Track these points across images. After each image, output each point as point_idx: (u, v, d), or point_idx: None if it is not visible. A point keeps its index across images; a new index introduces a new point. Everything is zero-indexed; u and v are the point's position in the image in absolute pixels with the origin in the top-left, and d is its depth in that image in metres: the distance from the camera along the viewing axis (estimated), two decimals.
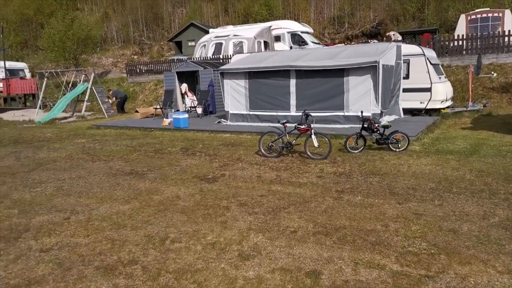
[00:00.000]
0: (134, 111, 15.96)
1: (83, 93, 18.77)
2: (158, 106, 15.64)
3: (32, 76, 26.97)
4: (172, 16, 43.29)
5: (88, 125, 14.85)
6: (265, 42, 22.29)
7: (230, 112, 12.99)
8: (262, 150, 8.15)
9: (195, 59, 21.10)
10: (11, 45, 34.19)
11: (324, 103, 11.21)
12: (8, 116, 19.74)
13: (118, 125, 13.56)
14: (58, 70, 19.67)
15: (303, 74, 11.43)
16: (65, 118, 17.93)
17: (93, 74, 18.51)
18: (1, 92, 23.09)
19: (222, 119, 13.23)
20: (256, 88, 12.40)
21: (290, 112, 11.80)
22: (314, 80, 11.35)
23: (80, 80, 20.24)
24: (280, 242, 4.13)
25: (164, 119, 13.26)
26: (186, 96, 17.49)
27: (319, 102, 11.30)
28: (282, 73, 11.77)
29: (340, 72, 10.87)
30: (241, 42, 21.70)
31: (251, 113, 12.60)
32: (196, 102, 17.59)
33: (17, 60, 30.40)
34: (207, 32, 30.95)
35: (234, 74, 12.68)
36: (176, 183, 6.51)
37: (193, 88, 17.98)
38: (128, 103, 22.44)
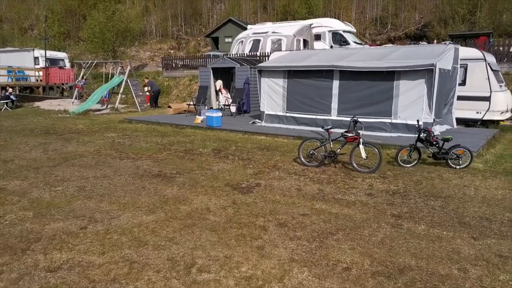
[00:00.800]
0: (167, 106, 15.51)
1: (119, 85, 18.55)
2: (191, 103, 15.09)
3: (72, 66, 27.27)
4: (211, 11, 42.99)
5: (120, 119, 14.51)
6: (305, 41, 21.38)
7: (266, 112, 12.22)
8: (302, 158, 7.33)
9: (231, 55, 20.46)
10: (54, 35, 34.92)
11: (369, 108, 10.24)
12: (45, 105, 19.84)
13: (150, 120, 13.10)
14: (95, 61, 19.57)
15: (347, 75, 10.49)
16: (99, 110, 17.75)
17: (129, 67, 18.25)
18: (41, 80, 23.37)
19: (257, 120, 12.49)
20: (295, 89, 11.57)
21: (330, 116, 10.89)
22: (359, 83, 10.39)
23: (116, 72, 20.07)
24: (331, 283, 3.31)
25: (197, 116, 12.67)
26: (220, 93, 16.88)
27: (363, 107, 10.33)
28: (325, 74, 10.87)
29: (390, 75, 9.85)
30: (279, 40, 20.89)
31: (288, 114, 11.78)
32: (230, 100, 16.97)
33: (59, 50, 30.93)
34: (245, 29, 30.30)
35: (273, 72, 11.89)
36: (207, 192, 5.80)
37: (227, 85, 17.36)
38: (161, 98, 22.16)
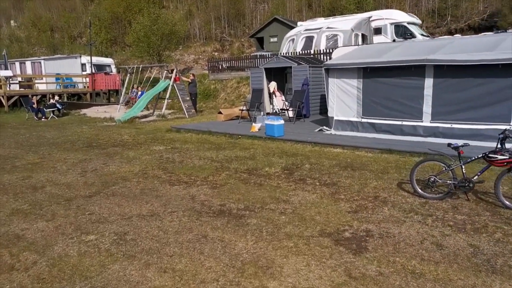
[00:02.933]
0: (217, 112, 13.82)
1: (165, 90, 17.14)
2: (244, 108, 13.28)
3: (118, 72, 26.49)
4: (254, 12, 41.32)
5: (167, 127, 12.97)
6: (363, 35, 19.02)
7: (335, 118, 10.13)
8: (416, 186, 5.20)
9: (281, 54, 18.48)
10: (101, 41, 34.65)
11: (477, 112, 7.90)
12: (92, 112, 18.86)
13: (200, 129, 11.41)
14: (141, 66, 18.32)
15: (445, 71, 8.20)
16: (145, 116, 16.41)
17: (175, 71, 16.80)
18: (88, 87, 22.60)
19: (324, 127, 10.43)
20: (372, 89, 9.40)
21: (421, 121, 8.64)
22: (462, 80, 8.07)
23: (162, 77, 18.72)
24: None
25: (253, 124, 10.81)
26: (274, 96, 14.97)
27: (467, 110, 8.02)
28: (414, 70, 8.63)
29: (505, 70, 7.48)
30: (335, 35, 18.67)
31: (364, 120, 9.63)
32: (287, 103, 15.03)
33: (106, 56, 30.41)
34: (291, 27, 28.25)
35: (344, 71, 9.79)
36: (298, 248, 3.86)
37: (281, 87, 15.42)
38: (209, 101, 20.62)
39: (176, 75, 16.60)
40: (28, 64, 23.44)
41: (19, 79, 22.35)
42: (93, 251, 3.93)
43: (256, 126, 10.63)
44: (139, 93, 19.24)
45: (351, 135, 9.58)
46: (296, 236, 4.13)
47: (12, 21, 46.09)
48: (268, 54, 21.49)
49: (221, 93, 21.07)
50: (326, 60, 17.05)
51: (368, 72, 9.41)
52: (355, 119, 9.78)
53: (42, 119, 16.63)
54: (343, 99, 9.91)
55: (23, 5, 45.54)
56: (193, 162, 7.76)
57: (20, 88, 21.81)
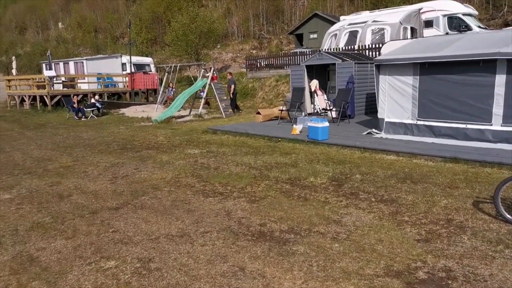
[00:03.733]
0: (256, 113, 13.11)
1: (201, 89, 16.66)
2: (283, 108, 12.47)
3: (157, 71, 26.50)
4: (293, 8, 40.25)
5: (204, 127, 12.41)
6: (412, 29, 17.59)
7: (386, 120, 9.09)
8: (503, 210, 4.18)
9: (324, 50, 17.46)
10: (142, 41, 35.01)
11: None
12: (130, 111, 18.76)
13: (237, 131, 10.73)
14: (178, 64, 17.97)
15: None
16: (181, 116, 16.01)
17: (212, 69, 16.27)
18: (127, 86, 22.66)
19: (373, 130, 9.41)
20: (431, 88, 8.29)
21: (490, 125, 7.45)
22: None
23: (200, 75, 18.28)
24: None
25: (294, 126, 9.98)
26: (315, 95, 14.04)
27: None
28: (482, 66, 7.46)
29: None
30: (382, 29, 17.39)
31: (419, 123, 8.53)
32: (329, 103, 14.05)
33: (146, 56, 30.60)
34: (332, 23, 27.03)
35: (398, 67, 8.73)
36: None
37: (322, 86, 14.45)
38: (246, 100, 19.99)
39: (213, 74, 16.05)
40: (71, 64, 23.90)
41: (63, 79, 22.79)
42: (111, 284, 3.30)
43: (297, 128, 9.79)
44: (172, 90, 18.89)
45: (405, 139, 8.52)
46: (356, 274, 3.29)
47: (59, 23, 47.87)
48: (308, 51, 20.53)
49: (259, 92, 20.37)
50: (373, 56, 15.87)
51: (426, 68, 8.31)
52: (409, 121, 8.70)
53: (82, 119, 16.67)
54: (396, 99, 8.85)
55: (70, 7, 47.15)
56: (229, 169, 7.06)
57: (63, 87, 22.22)
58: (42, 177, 7.11)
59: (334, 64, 13.11)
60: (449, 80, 8.01)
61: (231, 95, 16.65)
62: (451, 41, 8.73)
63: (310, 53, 19.65)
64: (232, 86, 16.60)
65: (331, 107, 11.83)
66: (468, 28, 16.83)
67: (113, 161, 8.16)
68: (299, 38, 33.40)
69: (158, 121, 14.42)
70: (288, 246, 3.87)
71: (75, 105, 16.75)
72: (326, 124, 8.80)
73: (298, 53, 21.19)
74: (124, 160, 8.21)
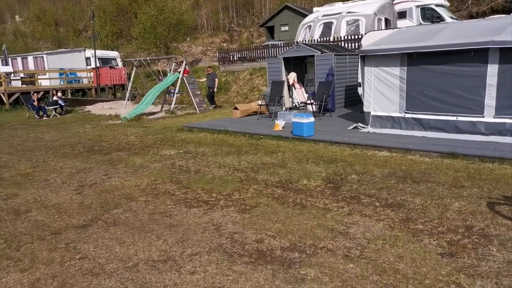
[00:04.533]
0: (233, 108, 12.37)
1: (173, 84, 15.72)
2: (262, 102, 11.82)
3: (124, 65, 25.09)
4: (263, 0, 39.47)
5: (178, 125, 11.58)
6: (386, 20, 17.36)
7: (373, 113, 8.64)
8: None
9: (301, 42, 16.91)
10: (107, 34, 33.24)
11: None
12: (96, 109, 17.54)
13: (215, 128, 9.98)
14: (148, 58, 16.89)
15: None
16: (153, 113, 15.04)
17: (184, 62, 15.33)
18: (92, 82, 21.26)
19: (359, 124, 8.94)
20: (419, 79, 7.89)
21: (482, 117, 7.13)
22: None
23: (170, 70, 17.27)
24: None
25: (276, 121, 9.35)
26: (293, 88, 13.48)
27: None
28: (474, 55, 7.10)
29: None
30: (356, 20, 17.04)
31: (408, 116, 8.13)
32: (306, 96, 13.55)
33: (112, 50, 28.99)
34: (304, 15, 26.56)
35: (384, 58, 8.27)
36: None
37: (299, 79, 13.91)
38: (220, 95, 19.17)
39: (185, 67, 15.14)
40: (30, 59, 22.15)
41: (21, 75, 21.08)
42: None
43: (279, 124, 9.17)
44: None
45: (393, 133, 8.09)
46: None
47: (16, 16, 44.84)
48: (281, 43, 19.91)
49: (233, 85, 19.61)
50: (350, 47, 15.48)
51: (414, 59, 7.88)
52: (397, 114, 8.28)
53: (44, 118, 15.35)
54: (383, 91, 8.40)
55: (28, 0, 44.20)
56: (212, 172, 6.35)
57: (22, 84, 20.55)
58: None
59: (312, 56, 12.58)
60: (438, 70, 7.62)
61: (215, 89, 15.94)
62: (437, 30, 8.35)
63: (283, 45, 19.07)
64: (216, 80, 15.93)
65: (311, 101, 11.29)
66: (441, 19, 16.76)
67: (79, 166, 7.24)
68: (270, 31, 32.76)
69: (127, 119, 13.42)
70: (294, 270, 3.24)
71: (35, 103, 15.37)
72: (312, 119, 8.22)
73: (270, 46, 20.56)
74: (92, 165, 7.31)
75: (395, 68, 8.16)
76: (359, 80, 11.32)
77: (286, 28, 31.40)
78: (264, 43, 24.23)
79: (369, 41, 10.41)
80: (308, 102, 11.45)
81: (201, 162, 7.06)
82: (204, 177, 6.08)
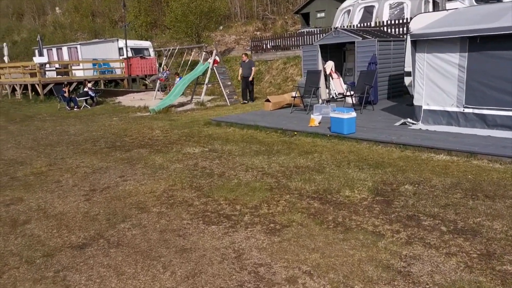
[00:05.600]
0: (265, 100, 11.45)
1: (204, 74, 14.98)
2: (296, 94, 10.82)
3: (158, 55, 24.71)
4: None
5: (206, 118, 10.82)
6: (434, 2, 15.70)
7: (425, 108, 7.44)
8: None
9: (340, 27, 15.62)
10: (141, 24, 33.07)
11: None
12: (127, 100, 17.16)
13: (245, 123, 9.11)
14: (177, 47, 16.24)
15: None
16: (182, 104, 14.40)
17: (214, 51, 14.53)
18: (124, 72, 20.99)
19: (408, 119, 7.76)
20: (483, 68, 6.61)
21: None
22: None
23: (201, 59, 16.55)
24: None
25: (312, 116, 8.34)
26: (331, 78, 12.34)
27: None
28: None
29: None
30: (401, 3, 15.51)
31: (467, 111, 6.89)
32: (344, 86, 12.39)
33: (146, 40, 28.74)
34: (341, 0, 25.04)
35: (439, 43, 7.03)
36: None
37: (337, 68, 12.73)
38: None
39: (215, 57, 14.34)
40: (64, 50, 22.19)
41: (56, 65, 21.14)
42: None
43: (315, 119, 8.16)
44: (166, 72, 17.15)
45: (450, 131, 6.87)
46: None
47: (57, 8, 45.81)
48: (317, 30, 18.64)
49: (266, 75, 18.63)
50: (395, 33, 14.07)
51: (477, 44, 6.61)
52: (454, 108, 7.05)
53: (75, 109, 15.11)
54: (437, 82, 7.18)
55: None
56: (237, 176, 5.50)
57: (57, 75, 20.58)
58: (3, 189, 5.60)
59: (352, 43, 11.39)
60: (508, 57, 6.32)
61: (250, 78, 13.84)
62: (504, 10, 6.97)
63: (319, 32, 17.83)
64: (254, 69, 13.94)
65: (351, 92, 10.15)
66: (498, 0, 14.90)
67: (96, 165, 6.62)
68: (306, 18, 31.33)
69: (155, 111, 12.83)
70: None
71: (66, 94, 15.14)
72: (353, 114, 7.15)
73: (305, 33, 19.35)
74: (110, 164, 6.67)
75: (453, 55, 6.91)
76: (406, 69, 10.06)
77: (323, 14, 29.85)
78: (299, 31, 22.99)
79: (419, 25, 9.11)
80: (348, 93, 10.32)
81: (227, 163, 6.23)
82: (228, 183, 5.24)
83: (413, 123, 7.56)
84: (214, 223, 4.02)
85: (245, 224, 3.96)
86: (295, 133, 7.81)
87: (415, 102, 7.59)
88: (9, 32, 41.97)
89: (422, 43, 7.23)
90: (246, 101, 13.82)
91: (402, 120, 7.76)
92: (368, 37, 10.82)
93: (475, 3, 15.38)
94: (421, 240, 3.39)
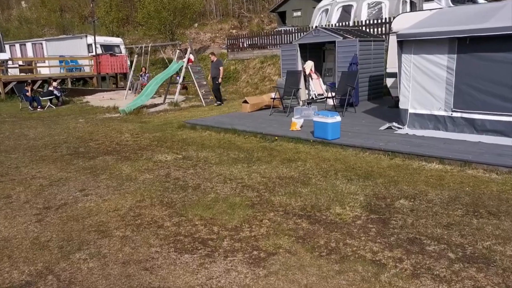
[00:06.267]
0: (242, 101, 10.86)
1: (177, 73, 14.24)
2: (275, 95, 10.30)
3: (129, 53, 23.60)
4: None
5: (180, 120, 10.12)
6: (411, 3, 15.59)
7: (411, 111, 7.08)
8: None
9: (320, 26, 15.22)
10: (112, 20, 31.71)
11: None
12: (96, 99, 16.15)
13: (221, 126, 8.50)
14: (150, 45, 15.39)
15: None
16: (155, 105, 13.61)
17: (189, 49, 13.81)
18: (93, 70, 19.87)
19: (394, 123, 7.38)
20: (473, 70, 6.29)
21: None
22: None
23: (175, 57, 15.76)
24: None
25: (293, 119, 7.83)
26: (310, 78, 11.90)
27: None
28: None
29: None
30: (379, 3, 15.31)
31: (456, 115, 6.57)
32: (324, 87, 12.02)
33: (117, 36, 27.49)
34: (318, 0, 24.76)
35: (426, 43, 6.66)
36: None
37: (317, 68, 12.32)
38: (229, 85, 17.65)
39: (190, 55, 13.63)
40: (28, 46, 20.79)
41: (20, 62, 19.76)
42: None
43: (297, 123, 7.65)
44: (146, 75, 16.35)
45: (438, 136, 6.52)
46: None
47: (23, 2, 43.48)
48: (294, 29, 18.21)
49: (243, 75, 18.05)
50: (374, 32, 13.80)
51: (466, 45, 6.28)
52: (442, 112, 6.71)
53: (38, 109, 14.02)
54: (424, 84, 6.82)
55: None
56: (215, 189, 4.90)
57: (20, 73, 19.23)
58: None
59: (332, 42, 10.98)
60: (498, 59, 6.01)
61: (219, 80, 12.81)
62: (493, 10, 6.69)
63: (296, 31, 17.40)
64: (221, 69, 12.83)
65: (333, 94, 9.71)
66: (473, 1, 14.93)
67: (54, 176, 5.86)
68: (282, 16, 30.98)
69: (126, 112, 12.01)
70: None
71: (28, 94, 14.03)
72: (338, 118, 6.68)
73: (283, 32, 18.89)
74: (70, 174, 5.92)
75: (441, 56, 6.56)
76: (388, 70, 9.73)
77: (299, 13, 29.57)
78: (276, 29, 22.51)
79: (402, 24, 8.78)
80: (329, 95, 9.88)
81: (203, 173, 5.62)
82: (204, 197, 4.64)
83: (398, 127, 7.18)
84: (188, 251, 3.42)
85: (224, 251, 3.38)
86: (276, 138, 7.28)
87: (401, 106, 7.21)
88: None
89: (409, 43, 6.85)
90: (220, 103, 13.06)
91: (388, 124, 7.38)
92: (349, 36, 10.43)
93: (451, 4, 15.36)
94: (429, 271, 2.92)
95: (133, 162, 6.41)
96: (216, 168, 5.82)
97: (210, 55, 13.77)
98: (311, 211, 4.11)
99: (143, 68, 16.33)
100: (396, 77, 9.65)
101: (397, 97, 9.87)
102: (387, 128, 7.29)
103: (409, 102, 7.05)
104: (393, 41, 9.52)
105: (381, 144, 6.14)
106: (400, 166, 5.42)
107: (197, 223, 3.98)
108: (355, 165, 5.55)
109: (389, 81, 9.84)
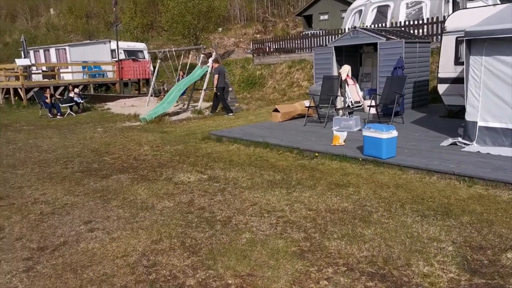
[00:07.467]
0: (273, 110, 9.78)
1: (201, 78, 13.34)
2: (309, 103, 9.18)
3: (153, 58, 23.02)
4: None
5: (204, 131, 9.16)
6: (454, 2, 14.22)
7: (480, 124, 5.82)
8: None
9: (359, 27, 14.02)
10: (136, 26, 31.42)
11: None
12: (117, 106, 15.46)
13: (251, 139, 7.44)
14: (173, 49, 14.55)
15: None
16: (177, 112, 12.74)
17: (214, 53, 12.88)
18: (116, 76, 19.28)
19: (459, 139, 6.12)
20: None
21: None
22: None
23: (199, 62, 14.88)
24: None
25: (335, 132, 6.68)
26: (346, 84, 10.71)
27: None
28: None
29: None
30: (419, 3, 14.02)
31: None
32: (361, 94, 10.83)
33: (141, 42, 27.04)
34: (346, 2, 23.60)
35: (503, 42, 5.42)
36: None
37: (353, 73, 11.11)
38: (254, 91, 16.66)
39: (214, 60, 12.70)
40: (52, 51, 20.46)
41: (44, 68, 19.41)
42: None
43: (340, 136, 6.51)
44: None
45: None
46: None
47: (51, 9, 44.08)
48: (322, 32, 17.06)
49: (269, 80, 17.01)
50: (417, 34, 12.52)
51: None
52: None
53: (57, 116, 13.40)
54: (498, 92, 5.57)
55: None
56: (249, 225, 3.84)
57: (43, 78, 18.86)
58: None
59: (371, 44, 9.81)
60: None
61: (214, 89, 11.68)
62: None
63: (324, 34, 16.24)
64: (216, 76, 11.46)
65: (377, 103, 8.50)
66: None
67: (59, 200, 4.94)
68: (308, 20, 29.88)
69: (147, 120, 11.17)
70: None
71: (48, 100, 13.43)
72: (394, 133, 5.50)
73: (310, 35, 17.80)
74: (77, 198, 4.99)
75: None
76: (441, 75, 8.49)
77: (326, 16, 28.39)
78: (303, 33, 21.41)
79: (458, 23, 7.56)
80: (367, 103, 8.68)
81: (233, 201, 4.57)
82: (237, 239, 3.58)
83: (465, 144, 5.92)
84: None
85: None
86: (317, 154, 6.16)
87: (468, 117, 5.96)
88: (1, 34, 40.16)
89: (480, 43, 5.62)
90: (231, 113, 11.72)
91: (451, 140, 6.12)
92: (393, 37, 9.22)
93: (499, 2, 13.88)
94: None
95: (151, 183, 5.43)
96: (248, 194, 4.75)
97: (213, 63, 12.38)
98: (385, 268, 2.98)
99: (181, 72, 15.01)
100: (450, 83, 8.38)
101: (450, 105, 8.60)
102: (451, 143, 6.05)
103: (479, 113, 5.80)
104: (447, 41, 8.29)
105: (452, 167, 4.92)
106: (485, 197, 4.20)
107: (229, 281, 2.92)
108: (424, 195, 4.37)
109: (441, 88, 8.59)
